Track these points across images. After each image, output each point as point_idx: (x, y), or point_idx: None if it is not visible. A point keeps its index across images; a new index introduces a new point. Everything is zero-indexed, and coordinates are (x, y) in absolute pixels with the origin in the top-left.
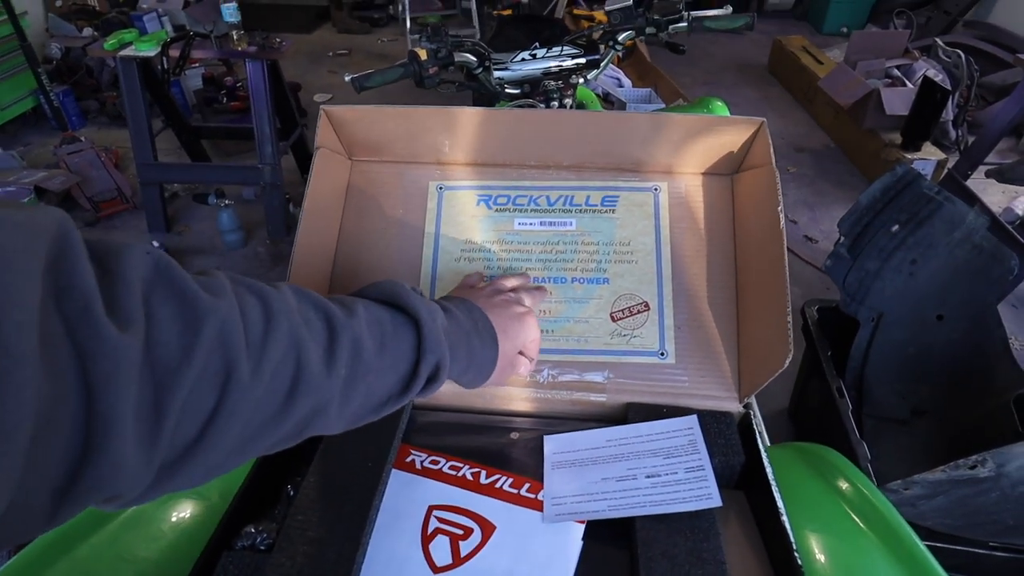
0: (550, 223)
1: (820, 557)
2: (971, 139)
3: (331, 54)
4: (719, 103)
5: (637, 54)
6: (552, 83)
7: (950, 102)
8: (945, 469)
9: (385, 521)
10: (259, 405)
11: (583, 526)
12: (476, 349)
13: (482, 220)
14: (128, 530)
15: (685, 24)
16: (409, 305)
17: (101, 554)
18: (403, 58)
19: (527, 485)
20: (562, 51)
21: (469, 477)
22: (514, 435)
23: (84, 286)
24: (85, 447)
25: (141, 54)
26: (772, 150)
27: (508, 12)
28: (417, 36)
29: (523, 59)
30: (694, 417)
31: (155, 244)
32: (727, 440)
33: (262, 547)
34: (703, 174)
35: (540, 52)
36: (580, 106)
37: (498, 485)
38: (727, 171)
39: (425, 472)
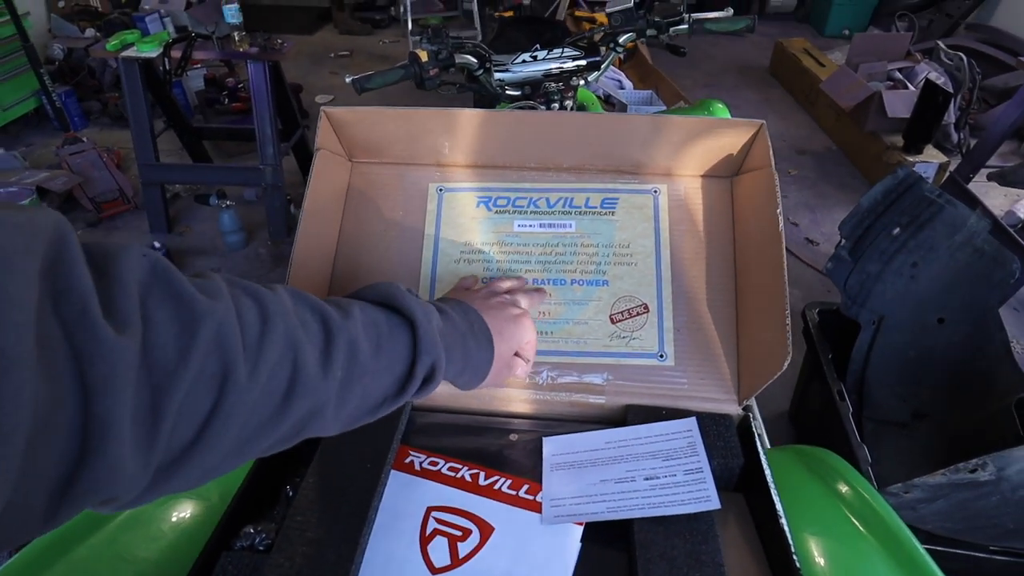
0: (550, 225)
1: (819, 560)
2: (973, 142)
3: (332, 55)
4: (720, 105)
5: (638, 56)
6: (553, 85)
7: (952, 105)
8: (945, 473)
9: (384, 522)
10: (256, 407)
11: (582, 528)
12: (472, 350)
13: (482, 222)
14: (127, 531)
15: (686, 26)
16: (405, 307)
17: (100, 555)
18: (404, 60)
19: (526, 487)
20: (563, 53)
21: (468, 478)
22: (513, 437)
23: (81, 288)
24: (82, 449)
25: (143, 55)
26: (771, 152)
27: (510, 14)
28: (418, 38)
29: (524, 61)
30: (693, 419)
31: (156, 245)
32: (726, 442)
33: (261, 548)
34: (703, 176)
35: (541, 54)
36: (581, 108)
37: (497, 486)
38: (727, 173)
39: (424, 473)
